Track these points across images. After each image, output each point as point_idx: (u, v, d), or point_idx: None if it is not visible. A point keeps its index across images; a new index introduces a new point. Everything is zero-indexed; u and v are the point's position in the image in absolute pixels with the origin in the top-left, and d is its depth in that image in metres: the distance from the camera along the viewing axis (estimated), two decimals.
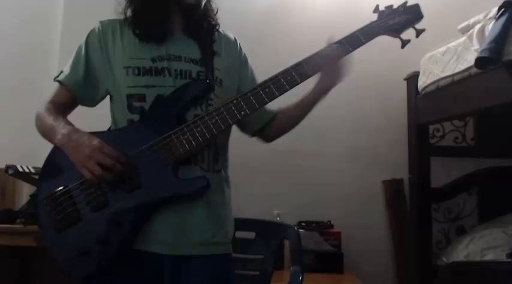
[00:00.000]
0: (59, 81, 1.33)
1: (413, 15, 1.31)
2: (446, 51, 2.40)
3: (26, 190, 2.58)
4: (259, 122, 1.39)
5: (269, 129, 1.41)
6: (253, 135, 1.44)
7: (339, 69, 1.28)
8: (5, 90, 2.84)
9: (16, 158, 2.44)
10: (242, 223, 1.88)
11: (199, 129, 1.19)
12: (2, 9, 2.95)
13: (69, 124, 1.25)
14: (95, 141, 1.15)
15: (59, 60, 2.86)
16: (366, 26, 1.29)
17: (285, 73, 1.24)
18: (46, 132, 1.26)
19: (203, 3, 1.31)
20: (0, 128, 2.80)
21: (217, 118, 1.20)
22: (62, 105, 1.32)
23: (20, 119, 2.71)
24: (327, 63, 1.26)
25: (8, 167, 2.31)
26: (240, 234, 1.84)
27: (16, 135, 2.75)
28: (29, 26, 2.96)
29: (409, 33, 1.32)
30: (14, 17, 2.95)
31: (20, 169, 2.32)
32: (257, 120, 1.38)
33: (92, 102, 1.34)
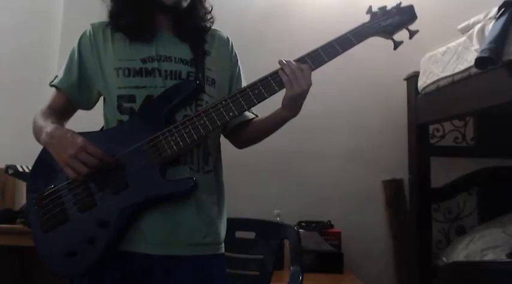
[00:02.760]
0: (53, 86, 1.33)
1: (407, 16, 1.29)
2: (446, 51, 2.40)
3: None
4: (235, 121, 1.36)
5: (243, 131, 1.39)
6: (227, 135, 1.42)
7: (303, 77, 1.20)
8: (5, 90, 2.84)
9: (16, 158, 2.44)
10: (242, 223, 1.89)
11: (187, 130, 1.19)
12: (2, 9, 2.95)
13: (55, 123, 1.23)
14: (78, 140, 1.14)
15: (59, 60, 2.85)
16: (357, 27, 1.28)
17: (274, 74, 1.23)
18: (36, 135, 1.26)
19: (185, 4, 1.29)
20: (0, 128, 2.80)
21: (205, 119, 1.19)
22: (60, 110, 1.32)
23: (20, 119, 2.70)
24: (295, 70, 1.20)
25: (8, 167, 2.32)
26: (240, 234, 1.85)
27: (16, 135, 2.74)
28: (29, 26, 2.96)
29: (403, 35, 1.31)
30: (14, 17, 2.96)
31: (20, 169, 2.32)
32: (233, 120, 1.34)
33: (88, 105, 1.35)
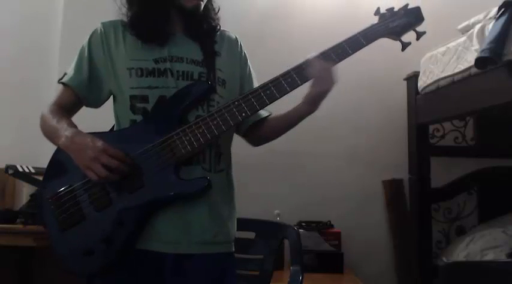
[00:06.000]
0: (63, 83, 1.33)
1: (414, 18, 1.31)
2: (446, 51, 2.40)
3: (26, 190, 2.58)
4: (250, 120, 1.38)
5: (259, 129, 1.41)
6: (243, 134, 1.44)
7: (331, 75, 1.25)
8: (5, 90, 2.84)
9: (16, 158, 2.45)
10: (242, 223, 1.88)
11: (200, 130, 1.20)
12: (2, 9, 2.95)
13: (73, 126, 1.25)
14: (99, 143, 1.15)
15: (59, 60, 2.86)
16: (367, 29, 1.30)
17: (286, 75, 1.24)
18: (50, 134, 1.27)
19: (202, 6, 1.31)
20: (1, 128, 2.80)
21: (218, 119, 1.21)
22: (67, 107, 1.32)
23: (20, 119, 2.73)
24: (324, 68, 1.24)
25: (8, 167, 2.31)
26: (240, 234, 1.84)
27: (16, 135, 2.76)
28: (29, 26, 2.96)
29: (410, 36, 1.32)
30: (14, 17, 2.96)
31: (20, 169, 2.32)
32: (249, 119, 1.36)
33: (97, 103, 1.35)
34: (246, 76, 1.41)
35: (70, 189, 1.22)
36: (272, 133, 1.43)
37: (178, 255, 1.22)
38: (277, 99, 1.24)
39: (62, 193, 1.22)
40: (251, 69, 1.43)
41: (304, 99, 1.28)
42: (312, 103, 1.28)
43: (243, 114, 1.22)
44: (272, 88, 1.23)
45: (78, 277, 1.26)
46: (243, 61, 1.41)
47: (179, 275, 1.22)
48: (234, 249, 1.34)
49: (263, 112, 1.39)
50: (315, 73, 1.23)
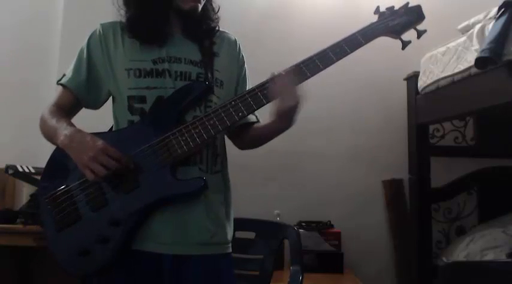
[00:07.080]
0: (62, 84, 1.33)
1: (414, 16, 1.31)
2: (446, 51, 2.40)
3: (26, 190, 2.58)
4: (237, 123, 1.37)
5: (245, 133, 1.40)
6: (229, 135, 1.43)
7: (294, 92, 1.20)
8: (5, 90, 2.84)
9: (16, 158, 2.45)
10: (242, 223, 1.88)
11: (197, 130, 1.20)
12: (2, 9, 2.95)
13: (72, 125, 1.25)
14: (99, 143, 1.15)
15: (59, 60, 2.86)
16: (366, 27, 1.29)
17: None
18: (49, 134, 1.27)
19: (200, 8, 1.31)
20: (1, 128, 2.80)
21: (215, 119, 1.21)
22: (66, 108, 1.33)
23: (20, 119, 2.72)
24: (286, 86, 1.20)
25: (8, 167, 2.31)
26: (240, 234, 1.84)
27: (16, 135, 2.76)
28: (29, 26, 2.96)
29: (410, 34, 1.32)
30: (14, 17, 2.96)
31: (20, 169, 2.32)
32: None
33: (95, 104, 1.35)
34: (241, 79, 1.41)
35: (67, 188, 1.22)
36: (255, 141, 1.41)
37: (176, 256, 1.21)
38: (275, 98, 1.23)
39: (59, 193, 1.22)
40: (247, 72, 1.43)
41: (273, 116, 1.25)
42: (281, 120, 1.24)
43: (240, 114, 1.22)
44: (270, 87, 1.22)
45: (74, 278, 1.26)
46: (240, 63, 1.41)
47: (177, 276, 1.21)
48: (231, 250, 1.33)
49: (251, 117, 1.38)
50: (276, 92, 1.20)
